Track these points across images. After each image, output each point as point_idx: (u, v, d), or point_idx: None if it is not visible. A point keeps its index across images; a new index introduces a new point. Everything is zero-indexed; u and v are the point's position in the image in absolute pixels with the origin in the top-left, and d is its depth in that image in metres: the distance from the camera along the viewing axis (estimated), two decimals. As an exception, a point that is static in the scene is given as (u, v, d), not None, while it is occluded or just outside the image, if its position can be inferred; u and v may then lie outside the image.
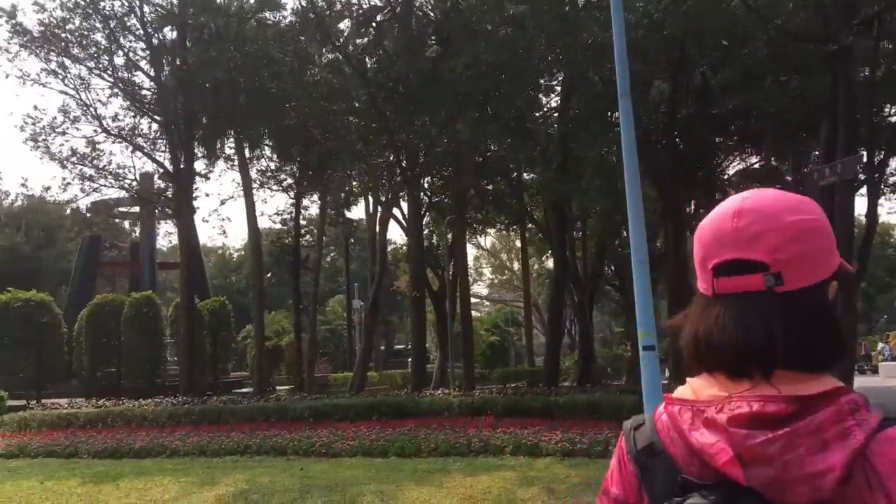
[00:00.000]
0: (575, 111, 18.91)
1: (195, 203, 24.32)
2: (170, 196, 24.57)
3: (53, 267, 45.81)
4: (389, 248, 54.31)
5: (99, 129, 22.01)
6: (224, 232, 67.39)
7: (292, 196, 26.16)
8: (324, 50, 22.54)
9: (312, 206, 29.68)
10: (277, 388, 35.21)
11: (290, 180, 25.79)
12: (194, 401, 20.10)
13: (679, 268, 22.28)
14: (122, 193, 25.10)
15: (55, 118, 22.14)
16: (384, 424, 15.39)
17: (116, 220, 43.80)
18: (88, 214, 36.03)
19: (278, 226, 30.95)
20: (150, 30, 23.06)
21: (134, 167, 24.40)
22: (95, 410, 20.13)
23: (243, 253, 69.58)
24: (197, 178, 30.34)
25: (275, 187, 25.80)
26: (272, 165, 26.07)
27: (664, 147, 18.15)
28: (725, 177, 24.63)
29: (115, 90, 22.24)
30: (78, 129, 22.58)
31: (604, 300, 55.04)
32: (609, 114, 17.44)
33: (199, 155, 25.18)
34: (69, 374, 31.87)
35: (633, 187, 8.59)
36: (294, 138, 22.45)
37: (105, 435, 16.39)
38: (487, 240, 68.02)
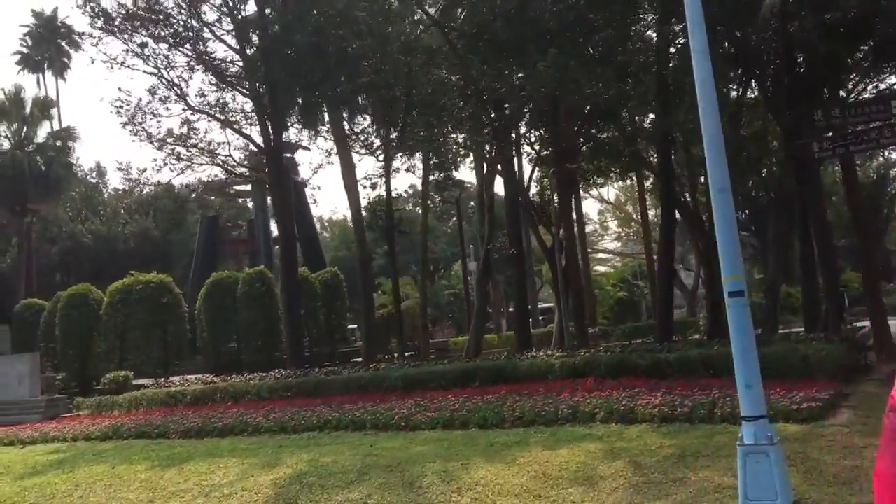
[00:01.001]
0: (670, 38, 16.88)
1: (303, 175, 23.99)
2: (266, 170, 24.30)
3: (182, 249, 47.56)
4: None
5: (185, 107, 21.87)
6: (315, 201, 67.97)
7: (380, 159, 25.23)
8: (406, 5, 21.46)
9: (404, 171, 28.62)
10: (395, 355, 35.13)
11: (378, 142, 24.88)
12: (297, 373, 19.82)
13: (814, 206, 19.90)
14: (219, 171, 25.02)
15: (141, 99, 22.27)
16: (479, 391, 14.39)
17: (239, 199, 44.80)
18: (192, 195, 36.71)
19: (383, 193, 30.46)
20: (231, 2, 22.71)
21: (228, 143, 24.26)
22: (202, 387, 20.25)
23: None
24: (300, 150, 30.19)
25: (363, 151, 25.02)
26: (362, 128, 25.20)
27: (778, 68, 15.88)
28: (859, 100, 21.73)
29: (198, 65, 21.98)
30: (168, 108, 22.52)
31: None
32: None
33: (291, 124, 24.79)
34: (195, 351, 32.90)
35: (707, 93, 6.98)
36: (382, 98, 21.46)
37: (200, 412, 16.29)
38: (611, 192, 65.59)
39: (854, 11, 15.04)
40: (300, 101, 22.24)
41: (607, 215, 71.07)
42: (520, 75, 17.59)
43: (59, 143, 40.94)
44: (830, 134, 12.90)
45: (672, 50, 17.98)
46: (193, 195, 38.38)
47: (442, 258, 66.64)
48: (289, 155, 26.96)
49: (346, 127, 25.83)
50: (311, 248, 41.34)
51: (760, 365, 13.09)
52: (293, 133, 27.33)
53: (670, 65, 17.19)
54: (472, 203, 53.14)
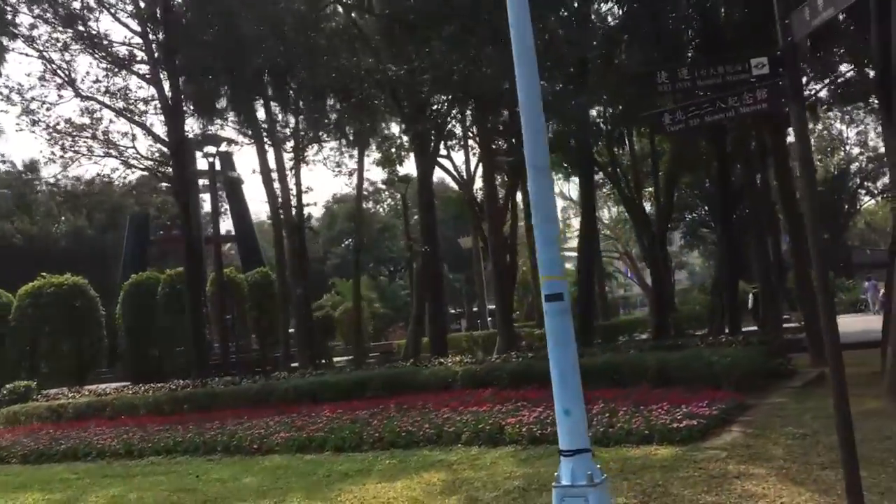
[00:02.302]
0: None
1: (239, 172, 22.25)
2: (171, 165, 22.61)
3: (119, 249, 45.57)
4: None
5: (75, 94, 20.19)
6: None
7: (289, 150, 23.63)
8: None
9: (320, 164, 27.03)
10: (335, 359, 33.67)
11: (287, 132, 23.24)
12: (188, 385, 18.25)
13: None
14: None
15: (22, 85, 20.54)
16: (368, 403, 13.04)
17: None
18: (130, 192, 34.79)
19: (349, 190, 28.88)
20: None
21: (133, 135, 22.48)
22: (87, 400, 18.67)
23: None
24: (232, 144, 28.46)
25: (269, 143, 23.35)
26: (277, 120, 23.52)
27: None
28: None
29: (90, 48, 20.30)
30: (61, 96, 20.81)
31: (703, 244, 50.91)
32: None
33: (206, 115, 23.15)
34: (115, 358, 31.21)
35: (525, 69, 5.60)
36: (284, 84, 19.93)
37: (77, 429, 14.68)
38: (573, 189, 64.47)
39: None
40: (203, 87, 20.64)
41: (571, 212, 70.07)
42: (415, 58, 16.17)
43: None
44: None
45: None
46: (128, 192, 36.40)
47: (401, 258, 65.29)
48: (213, 149, 25.24)
49: (263, 117, 24.19)
50: (248, 248, 39.68)
51: (667, 373, 11.97)
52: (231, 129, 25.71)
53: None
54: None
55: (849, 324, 20.83)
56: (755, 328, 24.28)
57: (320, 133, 22.19)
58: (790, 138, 22.21)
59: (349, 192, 45.19)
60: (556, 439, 9.00)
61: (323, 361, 32.74)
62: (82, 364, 28.67)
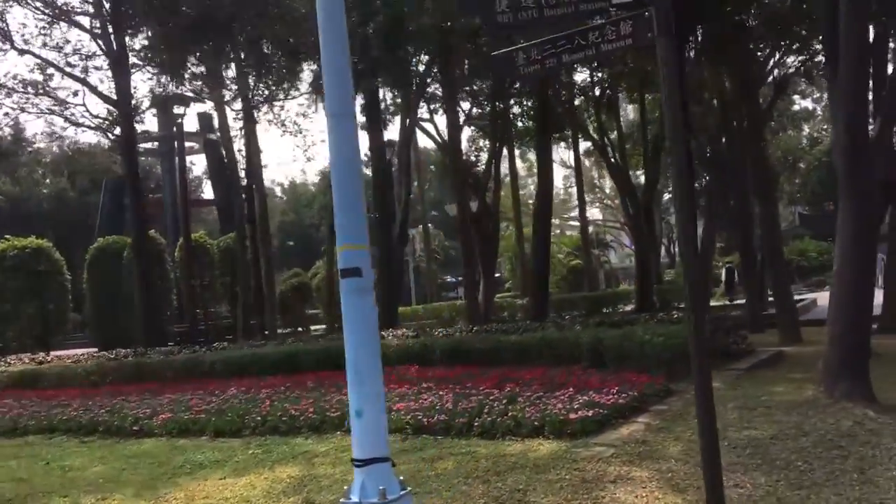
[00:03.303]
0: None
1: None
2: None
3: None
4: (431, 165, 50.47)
5: (11, 47, 19.10)
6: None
7: (234, 108, 22.41)
8: None
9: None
10: (312, 328, 32.83)
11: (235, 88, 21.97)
12: (123, 355, 17.44)
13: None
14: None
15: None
16: (295, 378, 12.17)
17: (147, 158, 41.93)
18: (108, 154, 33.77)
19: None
20: None
21: (83, 93, 21.37)
22: (21, 369, 17.93)
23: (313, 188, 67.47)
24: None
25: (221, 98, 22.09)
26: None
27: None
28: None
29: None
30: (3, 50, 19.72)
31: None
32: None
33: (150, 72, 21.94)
34: (83, 325, 30.56)
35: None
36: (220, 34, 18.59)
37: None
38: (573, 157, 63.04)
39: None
40: (149, 37, 19.45)
41: (571, 181, 68.55)
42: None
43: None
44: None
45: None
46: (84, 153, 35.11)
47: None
48: (180, 111, 24.11)
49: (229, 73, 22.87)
50: (227, 213, 38.59)
51: (600, 352, 10.95)
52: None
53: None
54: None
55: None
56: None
57: (272, 89, 20.95)
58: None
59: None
60: (442, 430, 8.07)
61: (299, 329, 32.05)
62: (47, 329, 28.00)
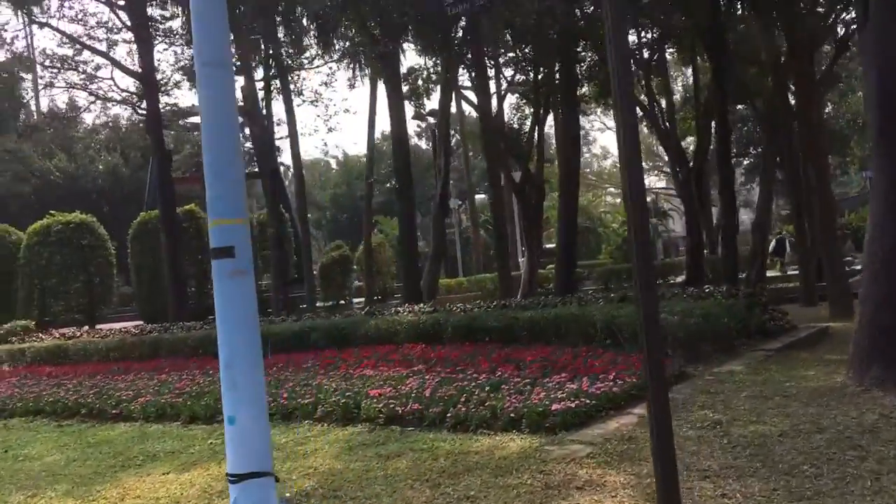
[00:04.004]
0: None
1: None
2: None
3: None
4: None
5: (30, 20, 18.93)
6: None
7: (259, 80, 21.87)
8: None
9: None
10: (355, 300, 32.43)
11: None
12: (145, 331, 17.23)
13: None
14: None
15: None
16: (308, 356, 11.62)
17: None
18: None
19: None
20: None
21: (110, 66, 21.14)
22: (49, 344, 17.88)
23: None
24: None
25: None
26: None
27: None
28: None
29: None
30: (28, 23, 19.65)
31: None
32: None
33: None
34: (132, 298, 30.79)
35: None
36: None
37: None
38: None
39: None
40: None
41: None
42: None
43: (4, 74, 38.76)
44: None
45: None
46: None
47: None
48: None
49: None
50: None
51: (614, 331, 10.04)
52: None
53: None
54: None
55: None
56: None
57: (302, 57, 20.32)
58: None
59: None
60: (415, 420, 7.32)
61: (340, 302, 31.71)
62: (93, 303, 28.25)
